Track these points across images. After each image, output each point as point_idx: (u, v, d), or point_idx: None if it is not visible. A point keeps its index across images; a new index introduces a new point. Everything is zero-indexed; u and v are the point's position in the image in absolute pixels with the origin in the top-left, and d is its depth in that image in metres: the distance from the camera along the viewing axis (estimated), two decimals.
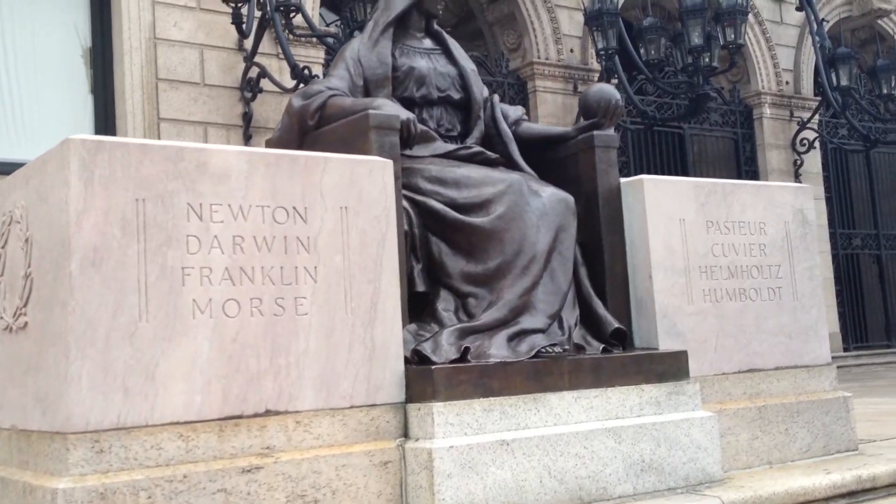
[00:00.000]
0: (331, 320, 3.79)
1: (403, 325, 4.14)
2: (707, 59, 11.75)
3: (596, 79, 12.23)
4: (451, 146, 4.83)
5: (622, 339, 4.73)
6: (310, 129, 4.58)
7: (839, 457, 5.39)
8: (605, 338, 4.66)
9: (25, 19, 9.13)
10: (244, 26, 9.13)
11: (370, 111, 4.25)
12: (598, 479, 4.19)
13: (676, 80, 12.80)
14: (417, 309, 4.42)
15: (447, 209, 4.44)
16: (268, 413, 3.60)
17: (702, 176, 11.85)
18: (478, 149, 4.87)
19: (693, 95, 11.81)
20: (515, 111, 5.28)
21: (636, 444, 4.34)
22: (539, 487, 4.02)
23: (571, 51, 12.64)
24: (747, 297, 5.29)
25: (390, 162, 4.09)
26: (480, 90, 5.13)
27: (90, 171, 3.37)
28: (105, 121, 9.29)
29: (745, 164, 14.93)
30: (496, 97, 5.24)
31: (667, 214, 5.02)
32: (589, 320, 4.73)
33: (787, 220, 5.56)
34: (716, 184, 5.31)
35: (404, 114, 4.38)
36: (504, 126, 5.10)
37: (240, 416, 3.53)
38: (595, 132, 4.99)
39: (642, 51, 11.76)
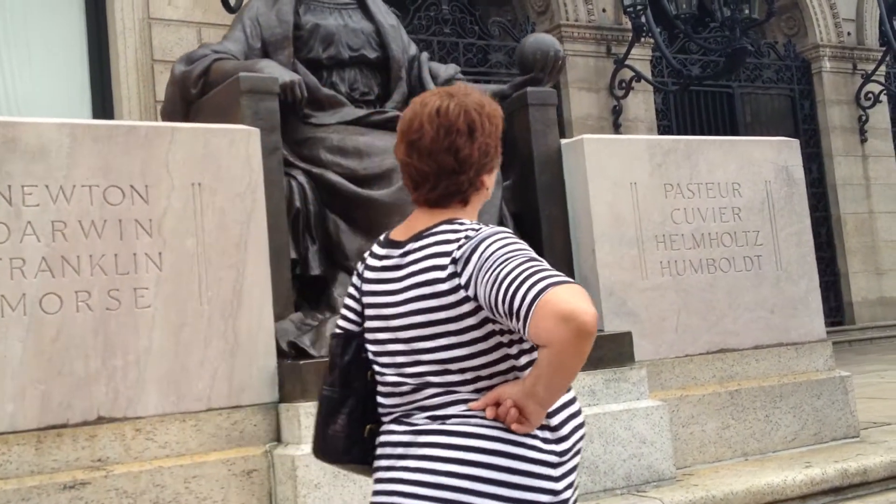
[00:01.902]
0: (181, 313, 3.36)
1: (286, 314, 3.69)
2: (746, 12, 10.90)
3: (630, 39, 11.49)
4: (361, 111, 4.33)
5: None
6: (194, 98, 4.11)
7: (833, 445, 4.75)
8: None
9: (17, 5, 8.89)
10: (232, 1, 8.68)
11: (241, 74, 3.77)
12: None
13: (721, 35, 11.95)
14: (316, 295, 3.97)
15: (343, 182, 3.96)
16: (100, 420, 3.19)
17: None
18: (394, 113, 4.35)
19: (728, 51, 10.95)
20: (447, 70, 4.73)
21: None
22: None
23: (603, 10, 11.91)
24: (717, 268, 4.68)
25: (256, 130, 3.61)
26: (403, 48, 4.60)
27: None
28: (102, 105, 8.99)
29: (803, 123, 13.98)
30: (424, 55, 4.71)
31: (613, 178, 4.44)
32: None
33: (769, 180, 4.91)
34: (677, 141, 4.70)
35: (287, 76, 3.90)
36: (431, 87, 4.56)
37: (63, 426, 3.13)
38: (529, 88, 4.43)
39: (672, 5, 10.96)
